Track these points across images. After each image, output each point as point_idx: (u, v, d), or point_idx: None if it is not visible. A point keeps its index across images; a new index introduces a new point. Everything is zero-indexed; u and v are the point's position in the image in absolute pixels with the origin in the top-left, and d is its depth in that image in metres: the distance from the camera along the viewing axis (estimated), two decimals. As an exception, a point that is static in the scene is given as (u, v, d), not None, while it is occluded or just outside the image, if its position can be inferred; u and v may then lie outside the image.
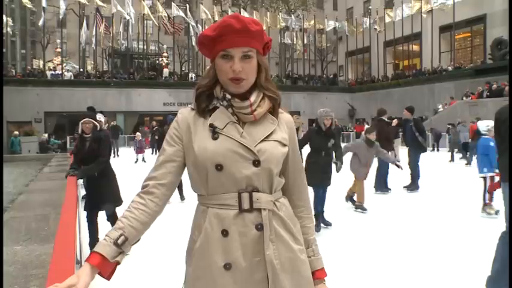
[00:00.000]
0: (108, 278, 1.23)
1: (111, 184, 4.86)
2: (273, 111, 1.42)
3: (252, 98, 1.36)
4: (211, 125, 1.33)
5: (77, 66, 33.90)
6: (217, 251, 1.30)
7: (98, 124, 4.77)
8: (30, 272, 1.71)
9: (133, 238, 1.28)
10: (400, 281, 4.01)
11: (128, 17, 31.44)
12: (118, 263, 1.24)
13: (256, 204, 1.31)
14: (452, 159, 16.54)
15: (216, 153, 1.30)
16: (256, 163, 1.31)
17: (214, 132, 1.32)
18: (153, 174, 1.37)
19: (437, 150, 20.84)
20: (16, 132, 21.28)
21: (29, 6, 29.96)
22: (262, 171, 1.32)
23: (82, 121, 4.67)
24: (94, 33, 31.10)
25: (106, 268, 1.21)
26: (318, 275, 1.46)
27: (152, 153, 19.83)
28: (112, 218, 4.82)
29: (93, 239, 4.66)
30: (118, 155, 20.20)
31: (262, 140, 1.34)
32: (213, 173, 1.31)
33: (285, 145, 1.40)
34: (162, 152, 1.40)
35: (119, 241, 1.23)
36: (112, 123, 22.23)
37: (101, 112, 8.37)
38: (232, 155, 1.30)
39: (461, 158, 16.64)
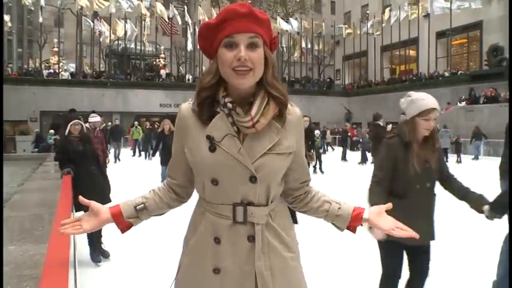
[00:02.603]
0: (122, 231, 1.40)
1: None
2: (280, 115, 1.32)
3: (253, 111, 1.24)
4: (208, 137, 1.26)
5: (73, 67, 33.68)
6: (208, 256, 1.31)
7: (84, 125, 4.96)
8: (23, 273, 1.70)
9: (152, 210, 1.41)
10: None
11: (125, 13, 31.37)
12: (131, 224, 1.39)
13: (250, 218, 1.30)
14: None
15: (212, 168, 1.27)
16: (253, 179, 1.27)
17: (212, 144, 1.26)
18: (169, 173, 1.45)
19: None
20: (52, 131, 20.90)
21: (29, 2, 29.68)
22: (259, 186, 1.29)
23: (72, 123, 4.72)
24: (92, 32, 31.05)
25: (120, 221, 1.37)
26: (357, 213, 1.40)
27: (146, 158, 18.18)
28: None
29: (95, 238, 4.66)
30: (119, 159, 17.23)
31: (264, 154, 1.27)
32: (209, 186, 1.30)
33: (289, 154, 1.34)
34: (173, 150, 1.43)
35: (138, 207, 1.38)
36: (114, 122, 19.63)
37: (93, 112, 8.37)
38: (228, 171, 1.26)
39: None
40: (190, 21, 33.12)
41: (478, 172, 13.19)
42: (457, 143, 19.02)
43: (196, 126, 1.30)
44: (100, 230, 4.72)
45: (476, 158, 18.72)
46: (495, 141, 18.54)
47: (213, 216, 1.32)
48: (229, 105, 1.25)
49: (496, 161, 4.50)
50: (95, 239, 4.65)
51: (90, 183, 4.62)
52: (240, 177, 1.26)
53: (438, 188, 2.84)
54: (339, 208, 1.41)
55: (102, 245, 4.77)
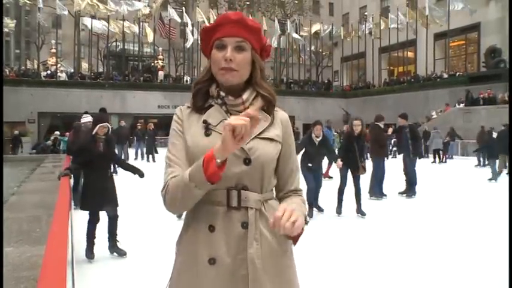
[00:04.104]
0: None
1: (114, 185, 4.92)
2: (267, 110, 1.43)
3: (245, 96, 1.39)
4: (204, 121, 1.37)
5: (71, 68, 33.64)
6: (203, 246, 1.33)
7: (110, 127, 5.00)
8: (21, 274, 1.70)
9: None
10: None
11: (123, 14, 31.35)
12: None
13: (244, 203, 1.33)
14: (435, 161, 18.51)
15: (207, 150, 1.29)
16: (247, 161, 1.33)
17: (207, 129, 1.35)
18: (172, 173, 1.36)
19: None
20: (57, 132, 20.71)
21: (30, 2, 29.59)
22: (253, 170, 1.34)
23: (101, 125, 4.75)
24: (90, 34, 31.02)
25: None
26: None
27: (148, 161, 17.27)
28: (115, 220, 4.76)
29: (91, 242, 4.65)
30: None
31: (254, 138, 1.35)
32: None
33: (278, 142, 1.41)
34: (173, 147, 1.40)
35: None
36: (120, 123, 17.60)
37: (86, 112, 8.31)
38: None
39: (432, 163, 18.06)
40: (188, 23, 33.12)
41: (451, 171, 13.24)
42: (446, 144, 19.62)
43: (192, 117, 1.41)
44: (115, 228, 4.75)
45: (450, 157, 20.26)
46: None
47: (206, 204, 1.35)
48: (222, 93, 1.39)
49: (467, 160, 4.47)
50: (91, 236, 4.65)
51: (104, 185, 4.64)
52: (234, 158, 1.31)
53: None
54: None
55: (118, 243, 4.78)
